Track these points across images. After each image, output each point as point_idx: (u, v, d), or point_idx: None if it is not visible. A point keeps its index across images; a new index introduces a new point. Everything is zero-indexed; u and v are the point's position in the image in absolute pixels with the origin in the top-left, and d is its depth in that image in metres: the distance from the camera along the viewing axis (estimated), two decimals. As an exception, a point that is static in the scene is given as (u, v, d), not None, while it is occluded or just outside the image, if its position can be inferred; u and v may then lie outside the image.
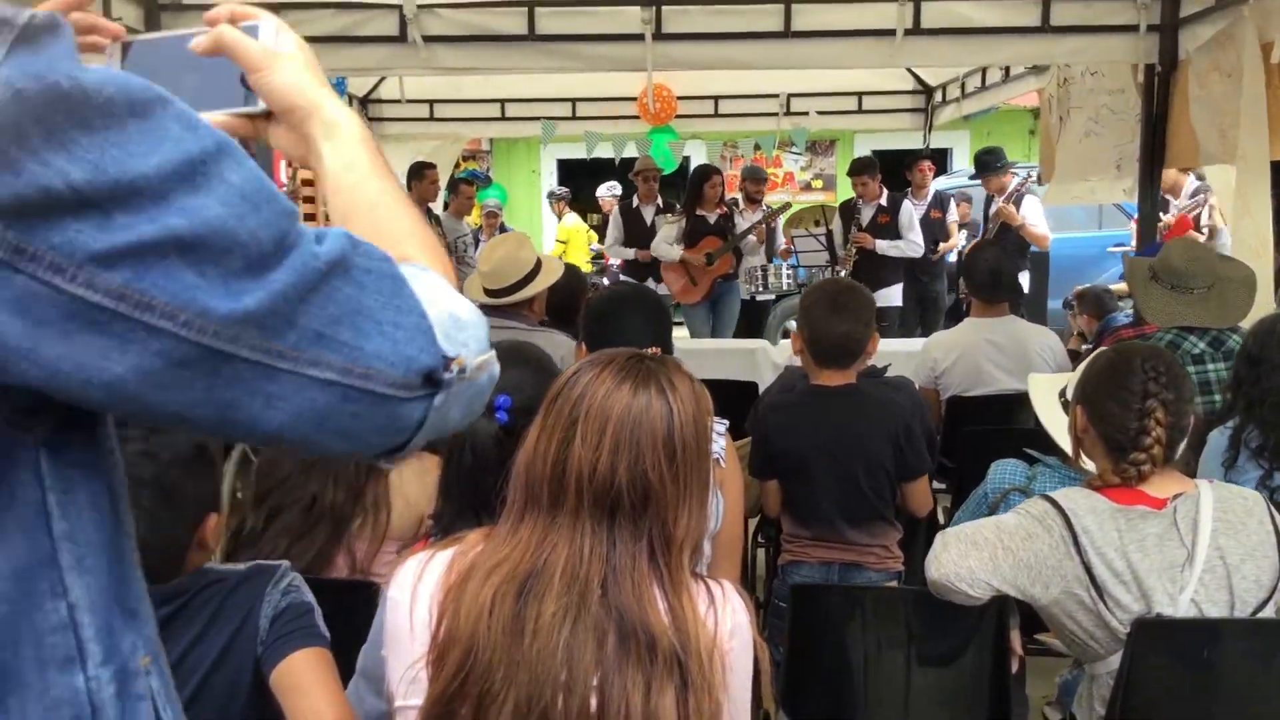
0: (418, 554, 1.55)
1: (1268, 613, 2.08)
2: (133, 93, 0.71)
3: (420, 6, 4.91)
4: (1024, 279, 7.63)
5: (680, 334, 8.33)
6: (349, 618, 1.92)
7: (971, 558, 2.06)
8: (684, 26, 5.01)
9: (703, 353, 6.17)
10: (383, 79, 7.39)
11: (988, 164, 7.67)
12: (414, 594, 1.49)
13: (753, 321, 7.87)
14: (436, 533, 1.81)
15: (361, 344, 0.76)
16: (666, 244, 7.55)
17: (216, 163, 0.72)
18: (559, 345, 3.33)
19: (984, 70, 7.12)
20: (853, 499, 2.76)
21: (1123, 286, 5.51)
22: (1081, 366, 2.50)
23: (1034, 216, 7.51)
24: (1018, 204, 7.42)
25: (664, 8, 4.95)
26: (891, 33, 4.97)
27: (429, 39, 4.99)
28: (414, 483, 2.37)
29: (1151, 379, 2.10)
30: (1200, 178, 7.09)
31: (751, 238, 7.58)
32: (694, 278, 7.56)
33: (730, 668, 1.45)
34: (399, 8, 4.92)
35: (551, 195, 12.70)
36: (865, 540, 2.78)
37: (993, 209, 7.59)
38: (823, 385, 2.82)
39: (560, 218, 12.38)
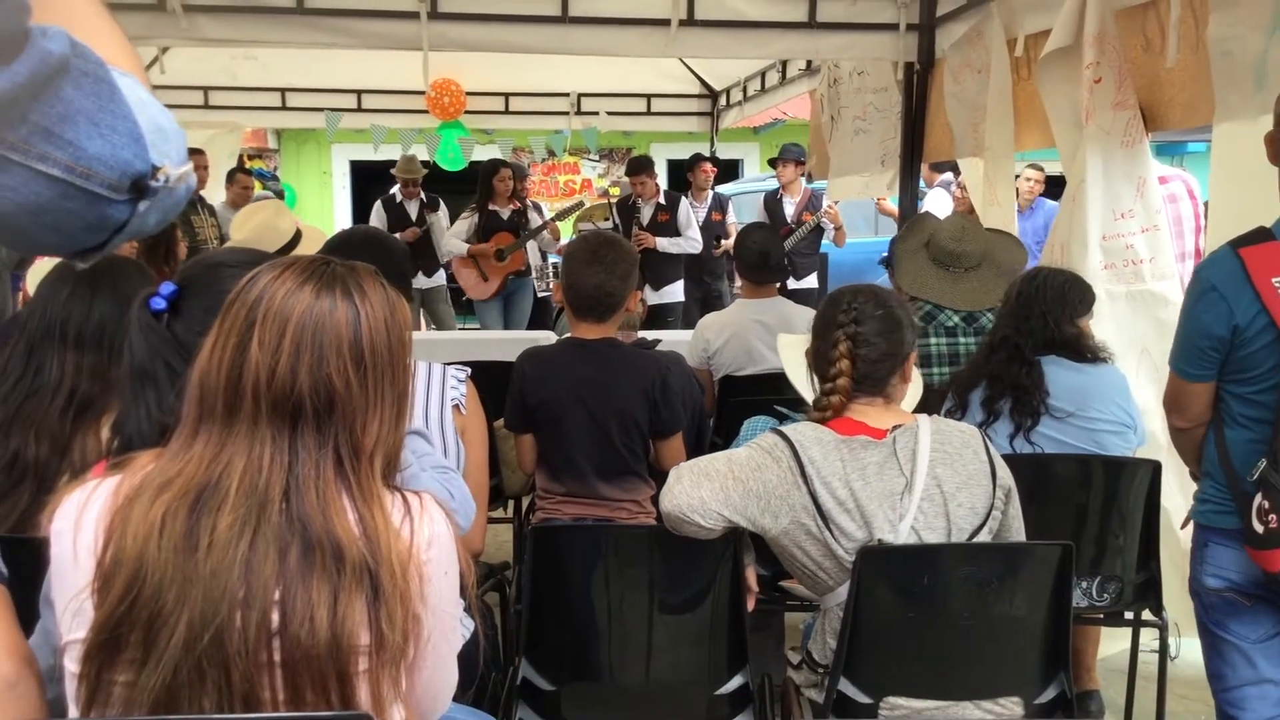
0: (86, 483, 1.43)
1: (982, 539, 2.17)
2: None
3: (180, -26, 4.68)
4: (814, 279, 7.90)
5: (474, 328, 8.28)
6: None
7: (703, 488, 2.07)
8: (461, 6, 4.96)
9: (489, 342, 6.11)
10: (154, 61, 7.00)
11: (788, 150, 7.88)
12: (78, 522, 1.37)
13: (547, 317, 7.88)
14: (116, 447, 1.68)
15: (84, 144, 0.80)
16: (458, 239, 7.47)
17: None
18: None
19: (763, 74, 7.36)
20: (606, 453, 2.75)
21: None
22: None
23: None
24: (813, 207, 7.69)
25: (440, -13, 4.89)
26: (666, 23, 5.06)
27: (189, 8, 4.76)
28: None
29: (843, 312, 2.18)
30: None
31: (546, 234, 7.59)
32: (485, 273, 7.49)
33: (428, 578, 1.40)
34: (156, -27, 4.67)
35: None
36: (618, 495, 2.77)
37: (789, 208, 7.81)
38: (579, 338, 2.80)
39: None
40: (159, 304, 1.61)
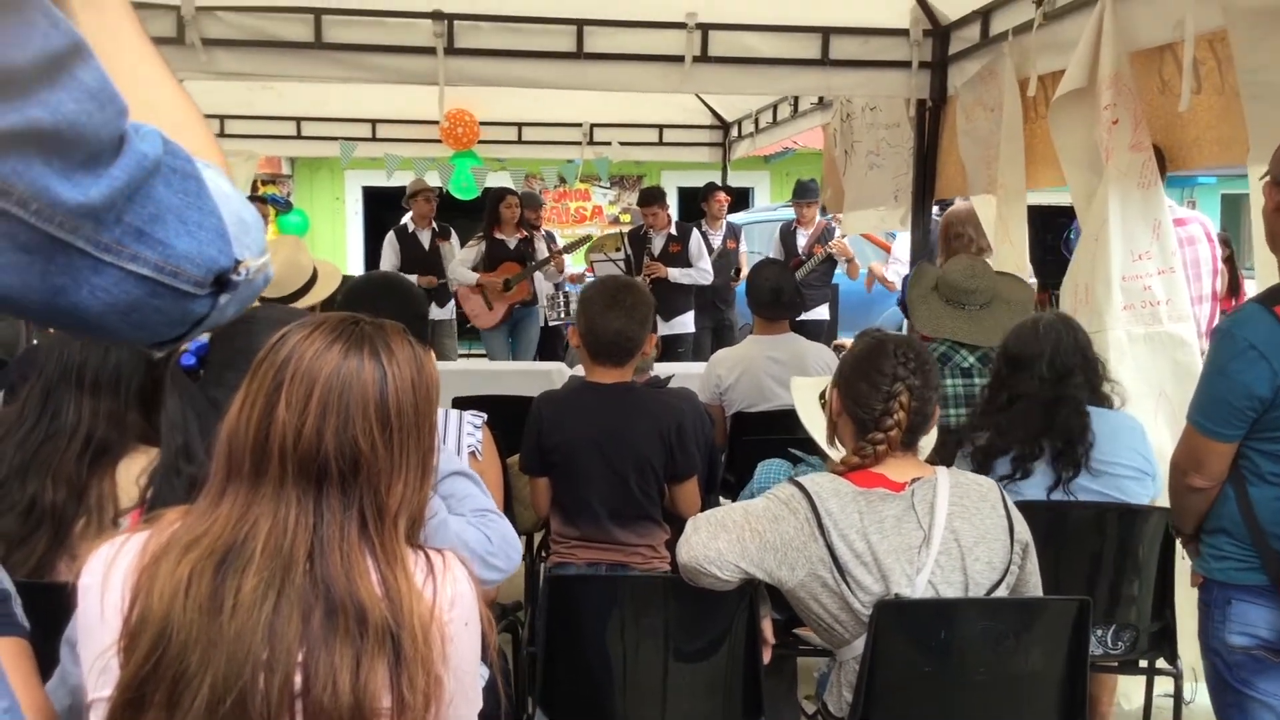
0: (113, 539, 1.44)
1: (999, 594, 2.16)
2: None
3: (199, 9, 4.71)
4: (825, 310, 7.93)
5: (481, 358, 8.30)
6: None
7: (720, 540, 2.07)
8: (477, 42, 4.99)
9: (499, 374, 6.12)
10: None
11: (808, 190, 7.93)
12: (106, 579, 1.38)
13: (555, 346, 7.89)
14: (150, 497, 1.69)
15: (174, 243, 0.81)
16: (465, 267, 7.50)
17: (72, 60, 0.74)
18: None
19: (775, 107, 7.39)
20: (621, 497, 2.75)
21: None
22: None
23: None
24: (824, 240, 7.76)
25: (456, 23, 4.92)
26: (680, 59, 5.08)
27: (209, 42, 4.80)
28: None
29: (901, 364, 2.17)
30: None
31: (550, 267, 7.64)
32: (490, 301, 7.53)
33: (450, 639, 1.40)
34: (176, 9, 4.70)
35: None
36: (633, 540, 2.77)
37: (802, 240, 7.87)
38: (596, 382, 2.81)
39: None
40: (189, 360, 1.63)
